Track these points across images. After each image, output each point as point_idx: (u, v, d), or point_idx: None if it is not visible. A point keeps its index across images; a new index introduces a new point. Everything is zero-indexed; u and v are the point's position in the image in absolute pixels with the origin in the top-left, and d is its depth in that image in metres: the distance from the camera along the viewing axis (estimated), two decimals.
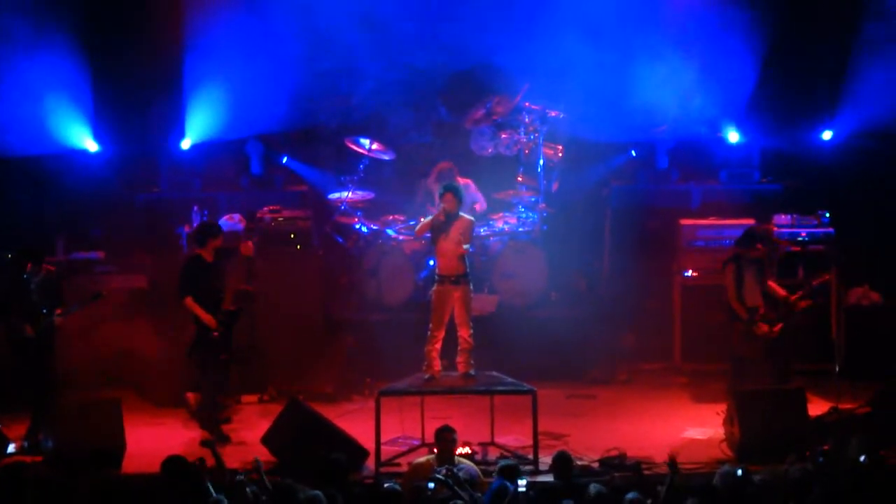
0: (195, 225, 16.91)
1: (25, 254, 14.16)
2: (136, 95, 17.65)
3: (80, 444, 13.11)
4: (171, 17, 17.36)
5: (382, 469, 12.94)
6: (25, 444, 13.86)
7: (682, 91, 17.43)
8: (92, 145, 17.86)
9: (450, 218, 13.70)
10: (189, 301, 14.31)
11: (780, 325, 14.51)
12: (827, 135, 17.84)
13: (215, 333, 14.26)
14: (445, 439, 11.93)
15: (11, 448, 13.69)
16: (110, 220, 17.54)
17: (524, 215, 17.47)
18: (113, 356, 15.94)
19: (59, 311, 14.13)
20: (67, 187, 17.38)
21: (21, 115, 17.15)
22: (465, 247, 13.72)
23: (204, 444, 11.69)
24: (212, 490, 10.55)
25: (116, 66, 17.53)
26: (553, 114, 17.52)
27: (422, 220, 14.19)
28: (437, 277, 13.86)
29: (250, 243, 14.51)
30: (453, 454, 11.92)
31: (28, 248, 14.27)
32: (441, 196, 13.84)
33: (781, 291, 14.72)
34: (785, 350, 14.61)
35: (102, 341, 15.92)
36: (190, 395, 15.25)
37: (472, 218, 13.98)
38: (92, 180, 17.58)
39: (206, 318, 14.27)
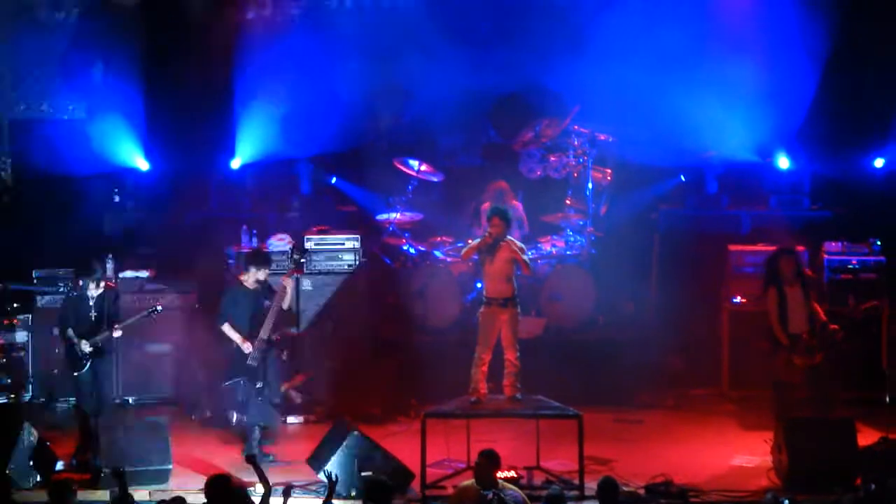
0: (244, 246, 17.00)
1: (83, 271, 14.30)
2: (188, 115, 17.78)
3: (127, 462, 13.18)
4: (224, 39, 17.51)
5: (428, 492, 12.93)
6: (74, 462, 13.94)
7: (732, 117, 17.34)
8: (143, 164, 18.01)
9: (497, 241, 13.70)
10: (226, 328, 14.39)
11: (820, 355, 14.34)
12: (879, 162, 17.74)
13: (252, 361, 14.30)
14: (481, 464, 11.82)
15: (60, 466, 13.76)
16: (160, 239, 17.64)
17: (572, 238, 17.45)
18: (160, 374, 16.01)
19: (116, 326, 14.24)
20: (118, 205, 17.49)
21: (75, 133, 17.30)
22: (525, 257, 13.70)
23: (248, 460, 11.76)
24: None
25: (169, 86, 17.69)
26: (602, 137, 17.52)
27: (469, 242, 14.19)
28: (484, 300, 13.86)
29: (288, 281, 14.59)
30: (489, 477, 11.78)
31: (86, 265, 14.39)
32: (488, 219, 13.85)
33: (823, 317, 14.56)
34: (827, 378, 14.46)
35: (150, 359, 16.00)
36: (233, 414, 15.31)
37: (520, 244, 13.93)
38: (143, 199, 17.71)
39: (244, 344, 14.34)
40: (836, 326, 14.44)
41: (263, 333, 14.35)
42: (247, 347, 14.31)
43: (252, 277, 14.53)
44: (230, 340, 14.41)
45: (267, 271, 14.57)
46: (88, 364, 14.11)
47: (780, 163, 17.90)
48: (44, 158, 17.10)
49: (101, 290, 14.26)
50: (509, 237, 13.84)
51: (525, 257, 13.78)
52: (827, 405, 14.33)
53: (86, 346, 14.07)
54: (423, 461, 13.11)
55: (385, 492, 11.25)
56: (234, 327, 14.36)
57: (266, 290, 14.54)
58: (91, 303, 14.19)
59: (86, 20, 17.14)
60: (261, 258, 14.77)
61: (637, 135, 17.63)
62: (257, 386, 14.39)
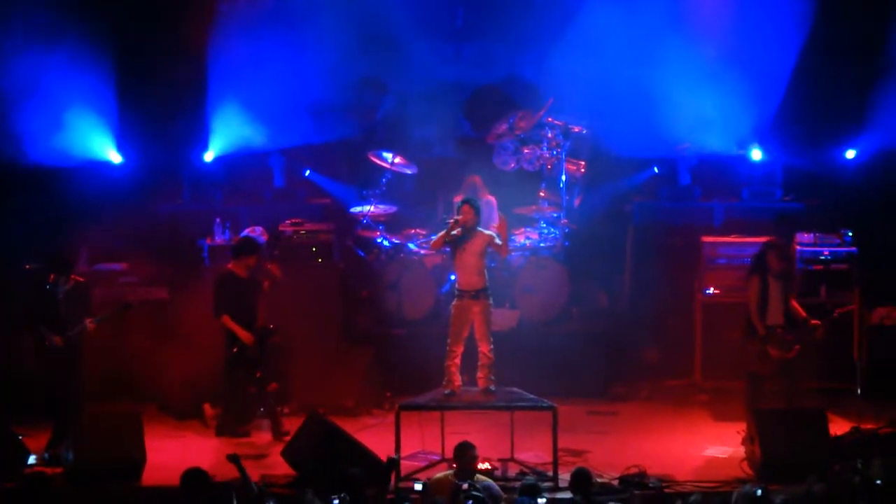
0: (217, 239, 16.98)
1: (52, 264, 14.23)
2: (161, 107, 17.73)
3: (100, 456, 13.16)
4: (197, 31, 17.44)
5: (401, 484, 12.94)
6: (46, 455, 13.87)
7: (705, 108, 17.38)
8: (116, 157, 17.95)
9: (468, 232, 13.69)
10: (226, 319, 14.46)
11: (796, 348, 14.39)
12: (850, 154, 17.78)
13: (252, 351, 14.39)
14: (467, 456, 11.90)
15: (32, 460, 13.69)
16: (133, 232, 17.57)
17: (546, 231, 17.47)
18: (133, 368, 15.99)
19: (89, 320, 14.18)
20: (91, 199, 17.43)
21: (46, 126, 17.23)
22: (499, 242, 13.75)
23: (230, 458, 11.75)
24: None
25: (141, 78, 17.62)
26: (576, 129, 17.55)
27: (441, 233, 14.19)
28: (456, 292, 13.87)
29: (275, 266, 14.80)
30: (474, 471, 11.90)
31: (55, 258, 14.32)
32: (458, 209, 13.85)
33: (802, 313, 14.58)
34: (799, 371, 14.52)
35: (123, 353, 15.98)
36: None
37: (491, 233, 13.95)
38: (115, 192, 17.64)
39: (244, 335, 14.44)
40: (817, 322, 14.48)
41: (261, 321, 14.45)
42: (247, 339, 14.41)
43: (243, 265, 14.63)
44: (229, 331, 14.52)
45: (254, 259, 14.67)
46: (61, 357, 14.06)
47: (753, 154, 17.92)
48: (15, 150, 17.02)
49: (71, 285, 14.21)
50: (482, 230, 13.86)
51: (499, 242, 13.81)
52: (796, 397, 14.38)
53: (58, 341, 14.02)
54: (398, 453, 13.11)
55: (357, 485, 11.28)
56: (232, 317, 14.46)
57: (256, 277, 14.78)
58: (61, 297, 14.13)
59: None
60: (251, 245, 14.92)
61: (611, 127, 17.65)
62: (257, 375, 14.52)
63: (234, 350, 14.59)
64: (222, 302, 14.65)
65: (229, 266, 14.90)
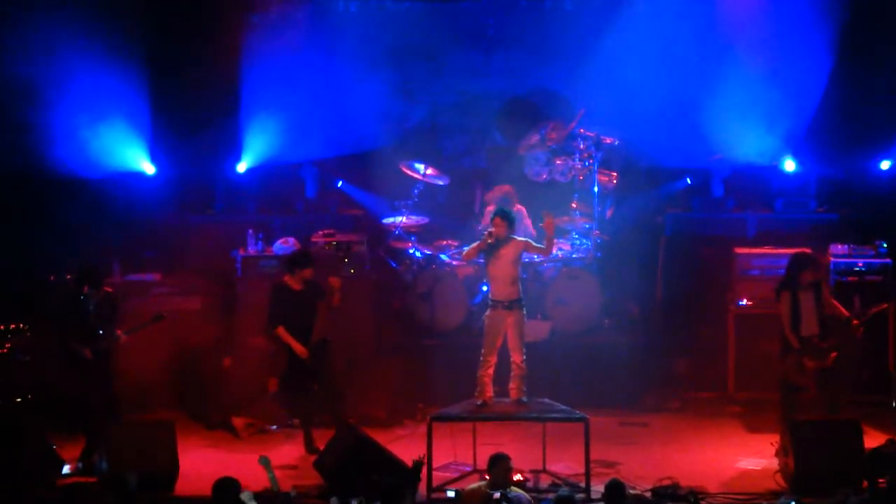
0: (251, 250, 17.01)
1: (83, 275, 14.28)
2: (194, 119, 17.79)
3: (133, 466, 13.18)
4: (230, 42, 17.52)
5: (433, 495, 12.94)
6: (80, 465, 13.94)
7: (738, 119, 17.34)
8: (149, 168, 18.02)
9: (500, 242, 13.69)
10: (281, 331, 14.47)
11: (833, 355, 14.33)
12: (885, 164, 17.71)
13: (309, 362, 14.42)
14: (501, 468, 11.85)
15: (66, 469, 13.76)
16: (166, 243, 17.65)
17: (578, 242, 17.43)
18: (166, 378, 16.03)
19: (119, 332, 14.23)
20: (124, 209, 17.52)
21: (79, 136, 17.32)
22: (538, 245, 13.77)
23: (261, 460, 11.77)
24: None
25: (174, 89, 17.69)
26: (608, 140, 17.50)
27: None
28: (489, 302, 13.86)
29: (336, 280, 14.80)
30: (509, 482, 11.86)
31: (86, 269, 14.36)
32: (491, 219, 13.86)
33: (845, 313, 14.51)
34: (837, 381, 14.45)
35: (155, 363, 16.01)
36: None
37: (526, 238, 13.99)
38: (148, 202, 17.72)
39: (298, 348, 14.44)
40: (857, 322, 14.44)
41: (317, 334, 14.44)
42: (301, 353, 14.43)
43: (298, 277, 14.63)
44: (284, 344, 14.56)
45: (309, 271, 14.66)
46: (92, 369, 14.10)
47: (787, 165, 17.87)
48: (48, 160, 17.11)
49: (101, 296, 14.25)
50: (514, 237, 13.85)
51: (538, 245, 13.83)
52: (834, 407, 14.31)
53: (87, 353, 14.06)
54: (430, 464, 13.11)
55: (390, 495, 11.26)
56: (287, 329, 14.47)
57: (314, 289, 14.65)
58: (92, 308, 14.18)
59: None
60: (304, 258, 14.88)
61: (643, 138, 17.64)
62: (313, 389, 14.59)
63: (283, 374, 14.68)
64: (276, 313, 14.65)
65: (284, 278, 14.88)
